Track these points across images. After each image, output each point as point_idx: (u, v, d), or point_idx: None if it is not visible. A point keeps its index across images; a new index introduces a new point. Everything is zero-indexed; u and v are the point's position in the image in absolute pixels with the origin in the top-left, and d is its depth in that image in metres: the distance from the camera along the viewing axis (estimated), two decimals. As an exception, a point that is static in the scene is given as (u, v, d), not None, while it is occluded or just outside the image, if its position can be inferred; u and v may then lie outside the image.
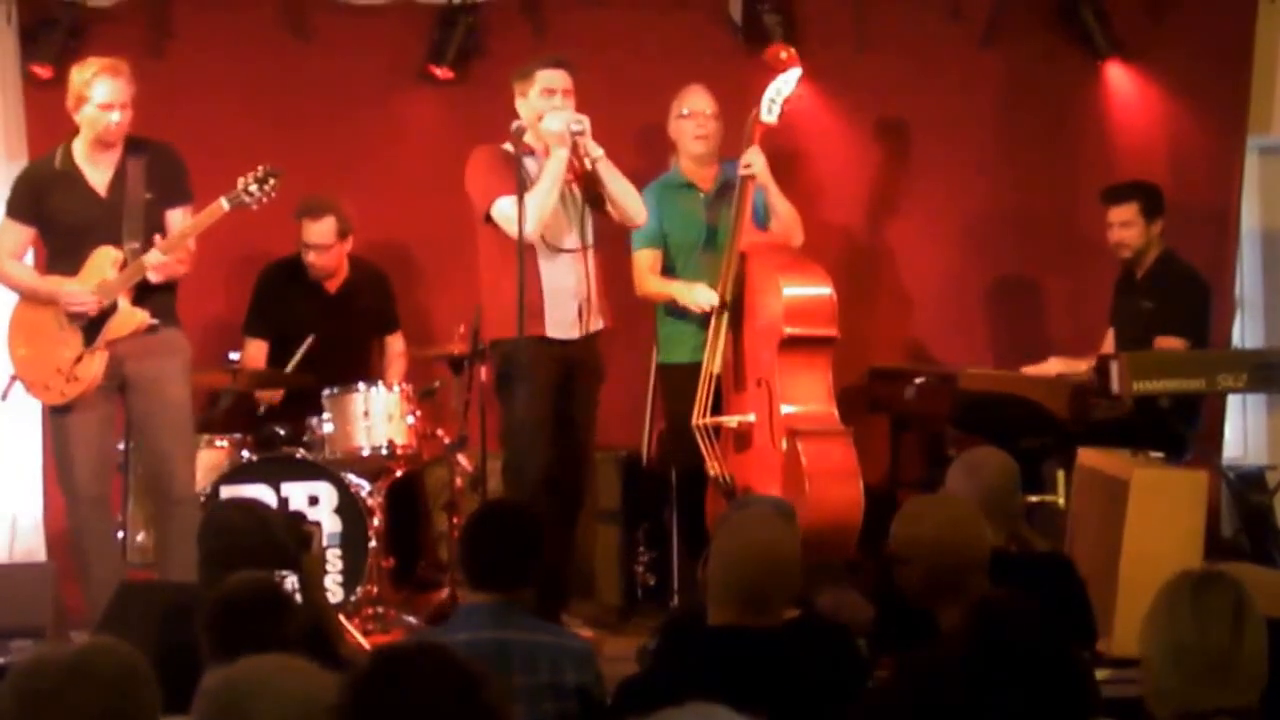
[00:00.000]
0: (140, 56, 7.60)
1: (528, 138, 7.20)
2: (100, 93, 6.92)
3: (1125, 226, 7.94)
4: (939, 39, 8.88)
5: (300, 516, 7.21)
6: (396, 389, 7.82)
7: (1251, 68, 8.86)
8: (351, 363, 8.12)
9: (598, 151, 7.21)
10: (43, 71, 8.48)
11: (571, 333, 7.25)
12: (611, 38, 8.75)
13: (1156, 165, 8.65)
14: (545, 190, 7.11)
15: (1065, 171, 8.94)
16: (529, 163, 7.19)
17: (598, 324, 7.36)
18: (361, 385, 7.77)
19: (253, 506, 5.55)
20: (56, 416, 7.09)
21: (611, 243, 7.62)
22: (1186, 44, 8.87)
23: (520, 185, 7.02)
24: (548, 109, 7.17)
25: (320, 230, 8.09)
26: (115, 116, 6.94)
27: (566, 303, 7.23)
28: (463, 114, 8.38)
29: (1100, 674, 5.02)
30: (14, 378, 7.14)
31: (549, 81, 7.23)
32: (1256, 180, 9.14)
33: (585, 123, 7.12)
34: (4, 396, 7.24)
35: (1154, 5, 8.86)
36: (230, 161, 7.44)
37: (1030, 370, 7.98)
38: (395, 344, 8.39)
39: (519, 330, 6.96)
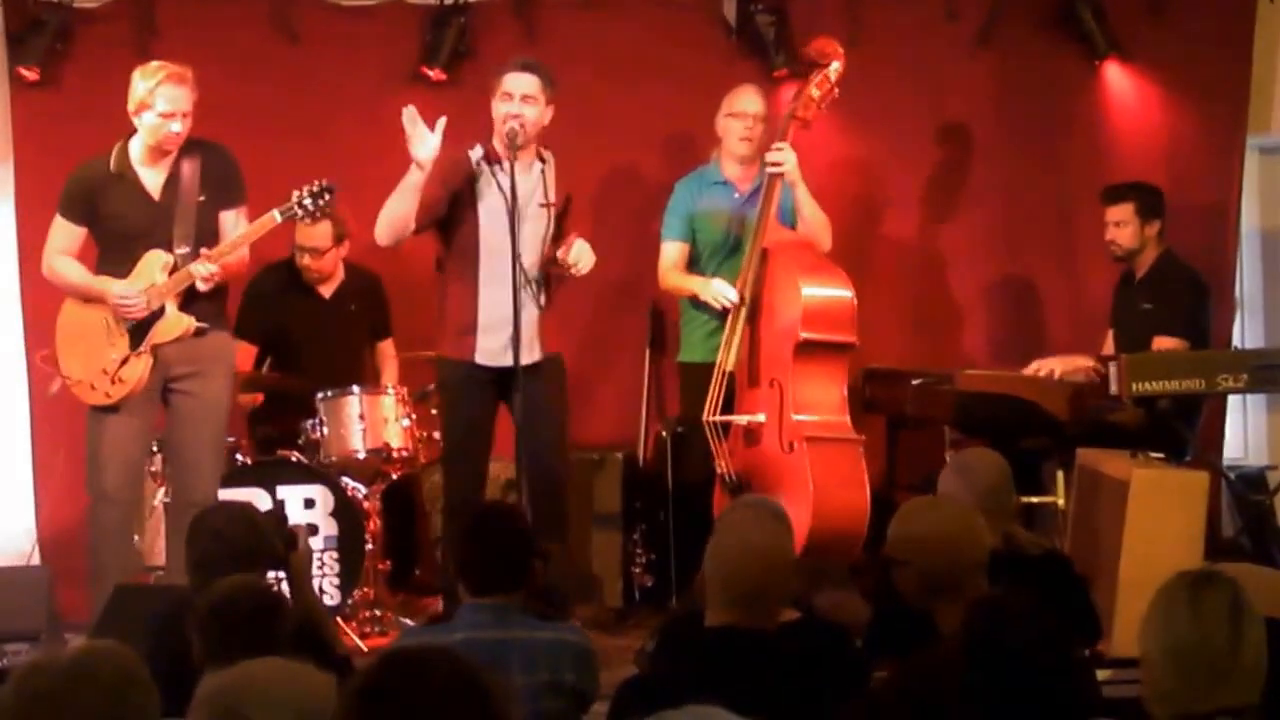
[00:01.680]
0: (127, 58, 7.57)
1: (496, 144, 7.13)
2: (164, 101, 6.90)
3: (1119, 226, 7.92)
4: (935, 39, 8.86)
5: (284, 515, 7.22)
6: (391, 392, 7.81)
7: (1250, 67, 8.83)
8: (345, 367, 8.09)
9: None
10: (29, 73, 8.48)
11: (502, 360, 7.00)
12: (603, 40, 8.74)
13: (1155, 165, 8.62)
14: (392, 198, 7.07)
15: (1063, 172, 8.91)
16: (497, 170, 7.09)
17: (534, 355, 7.10)
18: (356, 389, 7.76)
19: (241, 510, 5.52)
20: (96, 415, 7.07)
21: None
22: (1185, 43, 8.84)
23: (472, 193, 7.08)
24: (503, 113, 7.07)
25: (316, 233, 8.06)
26: (176, 126, 6.93)
27: (499, 329, 7.01)
28: (455, 116, 8.33)
29: (1100, 674, 5.01)
30: (62, 375, 7.13)
31: (508, 85, 7.11)
32: (1256, 180, 9.13)
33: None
34: (51, 393, 7.25)
35: (1152, 5, 8.82)
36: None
37: (1029, 370, 7.94)
38: (387, 348, 8.39)
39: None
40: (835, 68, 7.59)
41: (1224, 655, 3.37)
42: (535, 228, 7.12)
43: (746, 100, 7.78)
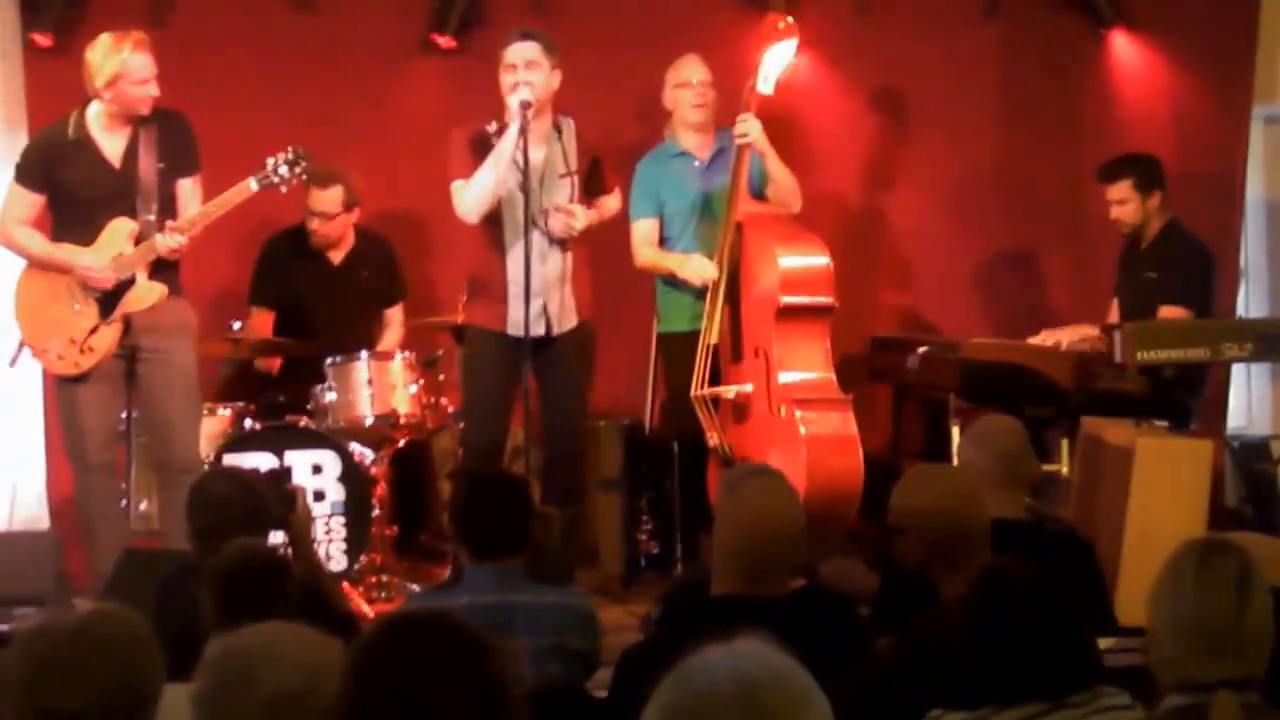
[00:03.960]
0: (141, 25, 7.55)
1: (508, 118, 7.11)
2: (137, 68, 6.89)
3: (1121, 204, 7.89)
4: (941, 7, 8.85)
5: (283, 476, 7.23)
6: (399, 358, 7.80)
7: (1257, 37, 8.84)
8: (354, 333, 8.09)
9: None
10: (43, 40, 8.44)
11: (535, 330, 7.05)
12: (611, 5, 8.72)
13: (1161, 135, 8.62)
14: (484, 169, 7.04)
15: (1069, 141, 8.92)
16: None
17: (568, 323, 7.21)
18: (364, 354, 7.75)
19: (239, 475, 5.55)
20: (65, 385, 7.05)
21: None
22: (1191, 13, 8.85)
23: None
24: (508, 84, 7.08)
25: (327, 199, 8.05)
26: (153, 89, 6.93)
27: (528, 298, 7.03)
28: (464, 83, 8.34)
29: (1105, 643, 5.03)
30: (23, 344, 7.12)
31: (509, 56, 7.12)
32: (1261, 150, 9.14)
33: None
34: (13, 363, 7.22)
35: (1158, -26, 8.84)
36: (232, 131, 7.45)
37: (1037, 341, 7.96)
38: (394, 314, 8.35)
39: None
40: (783, 46, 7.58)
41: (1229, 625, 3.34)
42: (559, 198, 7.16)
43: (691, 69, 7.82)
